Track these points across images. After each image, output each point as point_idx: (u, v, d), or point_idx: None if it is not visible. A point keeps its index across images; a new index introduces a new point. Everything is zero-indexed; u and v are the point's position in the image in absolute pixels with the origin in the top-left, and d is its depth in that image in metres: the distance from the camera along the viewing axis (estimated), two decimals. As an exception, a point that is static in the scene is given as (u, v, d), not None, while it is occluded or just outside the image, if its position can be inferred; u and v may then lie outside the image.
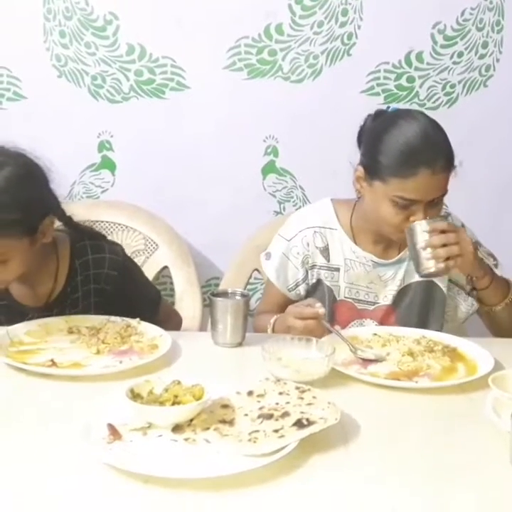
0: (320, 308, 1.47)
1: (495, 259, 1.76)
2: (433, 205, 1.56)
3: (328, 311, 1.69)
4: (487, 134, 2.35)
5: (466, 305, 1.76)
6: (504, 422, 1.10)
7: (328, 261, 1.72)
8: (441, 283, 1.74)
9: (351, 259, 1.71)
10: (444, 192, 1.57)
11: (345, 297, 1.73)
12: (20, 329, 1.52)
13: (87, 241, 1.67)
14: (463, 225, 1.75)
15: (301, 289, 1.75)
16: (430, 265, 1.52)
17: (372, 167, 1.58)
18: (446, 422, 1.23)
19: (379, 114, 1.65)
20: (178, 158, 2.34)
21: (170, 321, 1.77)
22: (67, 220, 1.65)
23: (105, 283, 1.66)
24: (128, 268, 1.72)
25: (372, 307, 1.73)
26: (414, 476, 1.04)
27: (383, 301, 1.73)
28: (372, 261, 1.71)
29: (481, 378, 1.32)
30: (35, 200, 1.49)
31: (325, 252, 1.72)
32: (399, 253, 1.72)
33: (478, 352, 1.48)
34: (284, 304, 1.73)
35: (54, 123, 2.29)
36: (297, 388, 1.22)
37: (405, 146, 1.52)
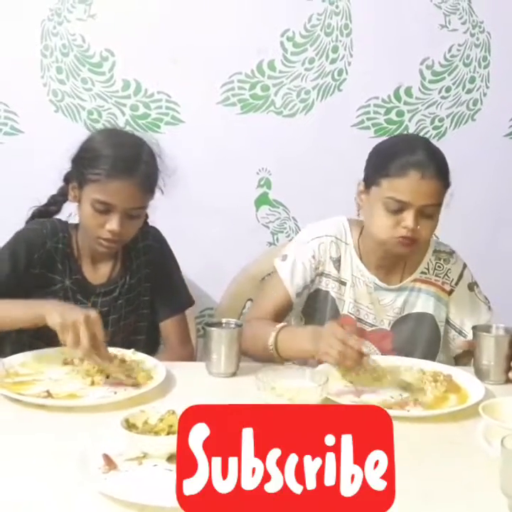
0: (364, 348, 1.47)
1: (488, 302, 1.79)
2: (425, 216, 1.59)
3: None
4: (475, 166, 2.38)
5: (454, 344, 1.78)
6: (495, 450, 1.11)
7: (338, 272, 1.75)
8: (440, 321, 1.76)
9: (357, 277, 1.74)
10: (436, 203, 1.60)
11: (348, 312, 1.74)
12: (15, 360, 1.53)
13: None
14: (465, 265, 1.79)
15: (305, 295, 1.76)
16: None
17: (369, 175, 1.66)
18: (438, 450, 1.24)
19: None
20: (173, 191, 2.37)
21: (183, 345, 1.81)
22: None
23: (151, 268, 1.81)
24: (166, 256, 1.86)
25: (370, 329, 1.75)
26: (406, 504, 1.04)
27: (380, 324, 1.75)
28: (374, 283, 1.74)
29: (472, 406, 1.34)
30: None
31: (337, 263, 1.75)
32: (400, 281, 1.75)
33: (470, 381, 1.50)
34: (281, 311, 1.73)
35: (51, 157, 2.32)
36: (291, 417, 1.23)
37: (398, 149, 1.63)
